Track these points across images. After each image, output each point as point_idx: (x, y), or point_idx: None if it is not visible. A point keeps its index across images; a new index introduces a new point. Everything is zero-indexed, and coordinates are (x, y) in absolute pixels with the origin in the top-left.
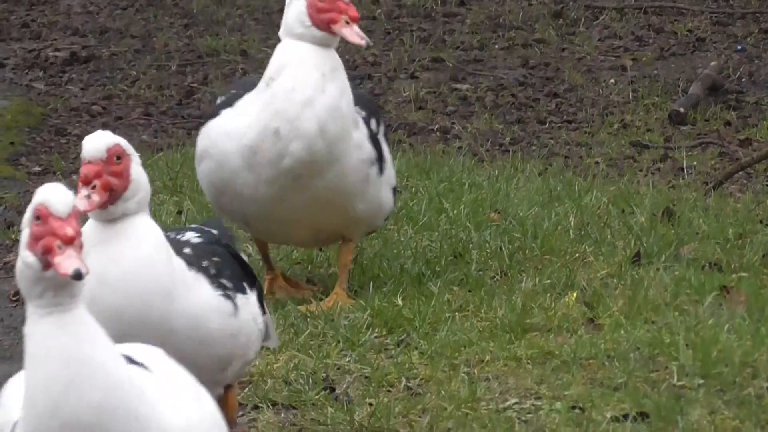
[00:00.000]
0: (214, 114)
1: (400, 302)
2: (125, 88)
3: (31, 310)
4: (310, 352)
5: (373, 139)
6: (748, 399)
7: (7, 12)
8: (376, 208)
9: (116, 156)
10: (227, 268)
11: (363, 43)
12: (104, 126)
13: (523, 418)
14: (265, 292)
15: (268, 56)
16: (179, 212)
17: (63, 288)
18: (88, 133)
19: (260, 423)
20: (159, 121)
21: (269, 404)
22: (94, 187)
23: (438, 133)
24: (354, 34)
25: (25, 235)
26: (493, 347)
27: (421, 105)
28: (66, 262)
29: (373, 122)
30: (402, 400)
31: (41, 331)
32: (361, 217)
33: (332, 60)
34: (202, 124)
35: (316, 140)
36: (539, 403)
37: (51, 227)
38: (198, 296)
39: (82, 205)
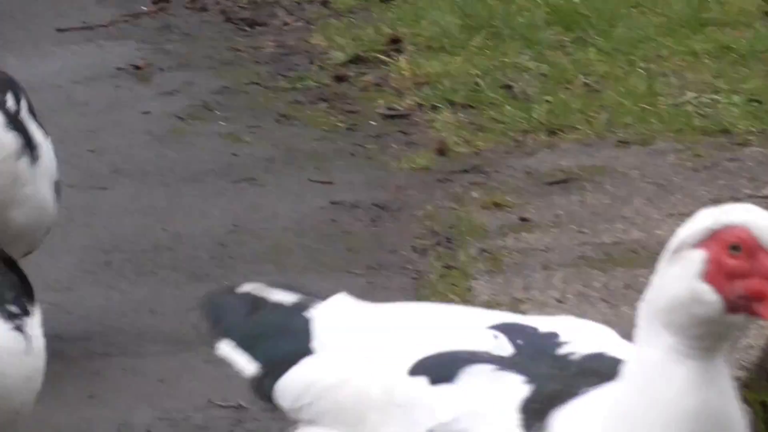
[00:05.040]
0: None
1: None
2: None
3: (667, 343)
4: (487, 51)
5: (14, 121)
6: None
7: None
8: (37, 213)
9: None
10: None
11: None
12: None
13: (700, 111)
14: None
15: None
16: None
17: (730, 336)
18: None
19: (438, 123)
20: None
21: (447, 104)
22: None
23: None
24: None
25: (697, 259)
26: (670, 42)
27: None
28: None
29: (10, 100)
30: (580, 96)
31: (680, 374)
32: (20, 230)
33: None
34: None
35: None
36: (717, 97)
37: (765, 268)
38: None
39: None
